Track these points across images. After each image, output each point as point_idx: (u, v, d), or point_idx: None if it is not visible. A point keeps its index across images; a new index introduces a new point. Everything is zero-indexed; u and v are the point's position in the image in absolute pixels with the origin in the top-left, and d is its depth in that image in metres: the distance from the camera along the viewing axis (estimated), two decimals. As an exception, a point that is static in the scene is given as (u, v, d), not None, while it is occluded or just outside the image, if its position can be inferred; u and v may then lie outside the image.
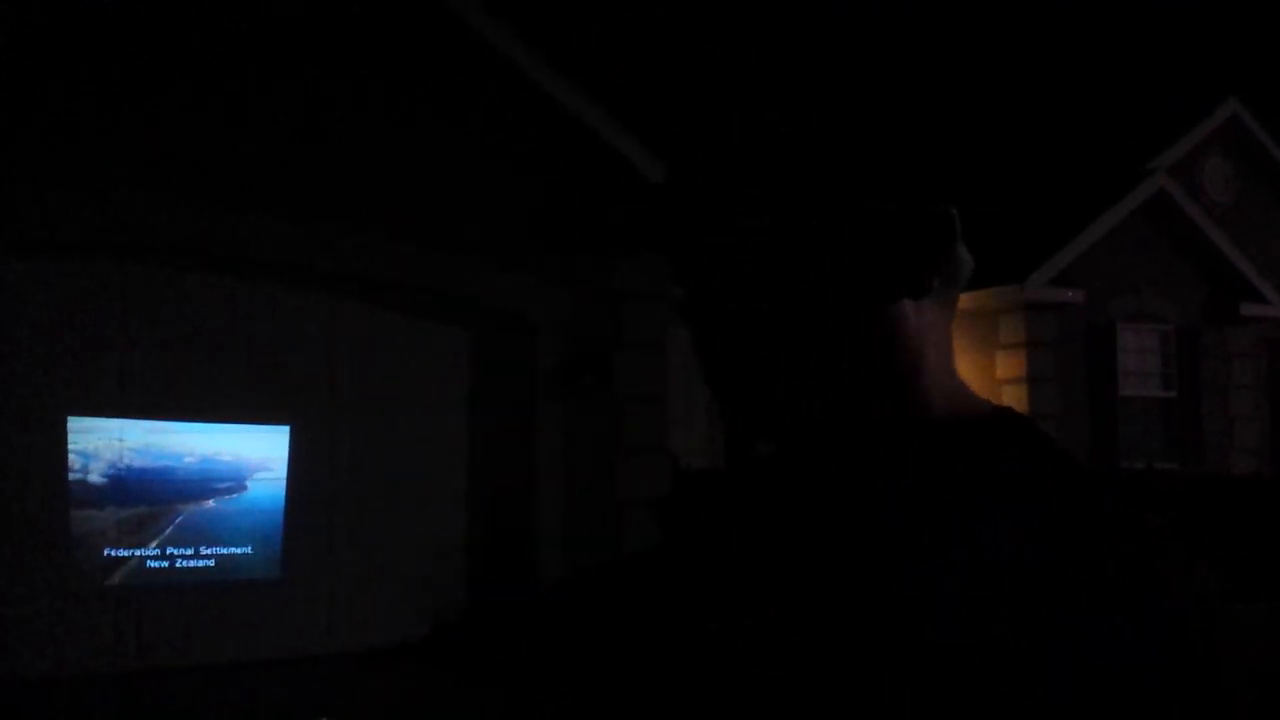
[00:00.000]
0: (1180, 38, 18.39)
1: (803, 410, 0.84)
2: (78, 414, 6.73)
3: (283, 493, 7.42)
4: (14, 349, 6.54)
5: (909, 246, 0.82)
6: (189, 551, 7.08)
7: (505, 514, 7.97)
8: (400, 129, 7.46)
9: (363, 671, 7.04)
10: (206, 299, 7.15)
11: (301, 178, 7.07)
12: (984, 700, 0.70)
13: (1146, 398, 13.26)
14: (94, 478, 6.83)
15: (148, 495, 7.00)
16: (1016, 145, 13.52)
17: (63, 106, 6.32)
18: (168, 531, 7.04)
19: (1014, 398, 11.66)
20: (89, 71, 6.38)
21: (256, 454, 7.38)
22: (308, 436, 7.49)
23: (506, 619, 7.32)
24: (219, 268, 7.11)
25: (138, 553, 6.94)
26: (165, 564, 7.01)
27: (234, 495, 7.30)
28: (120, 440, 6.89)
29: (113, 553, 6.86)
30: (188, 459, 7.15)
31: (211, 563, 7.16)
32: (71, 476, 6.73)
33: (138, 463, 6.96)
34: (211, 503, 7.23)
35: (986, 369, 12.18)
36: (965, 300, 0.88)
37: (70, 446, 6.72)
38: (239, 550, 7.25)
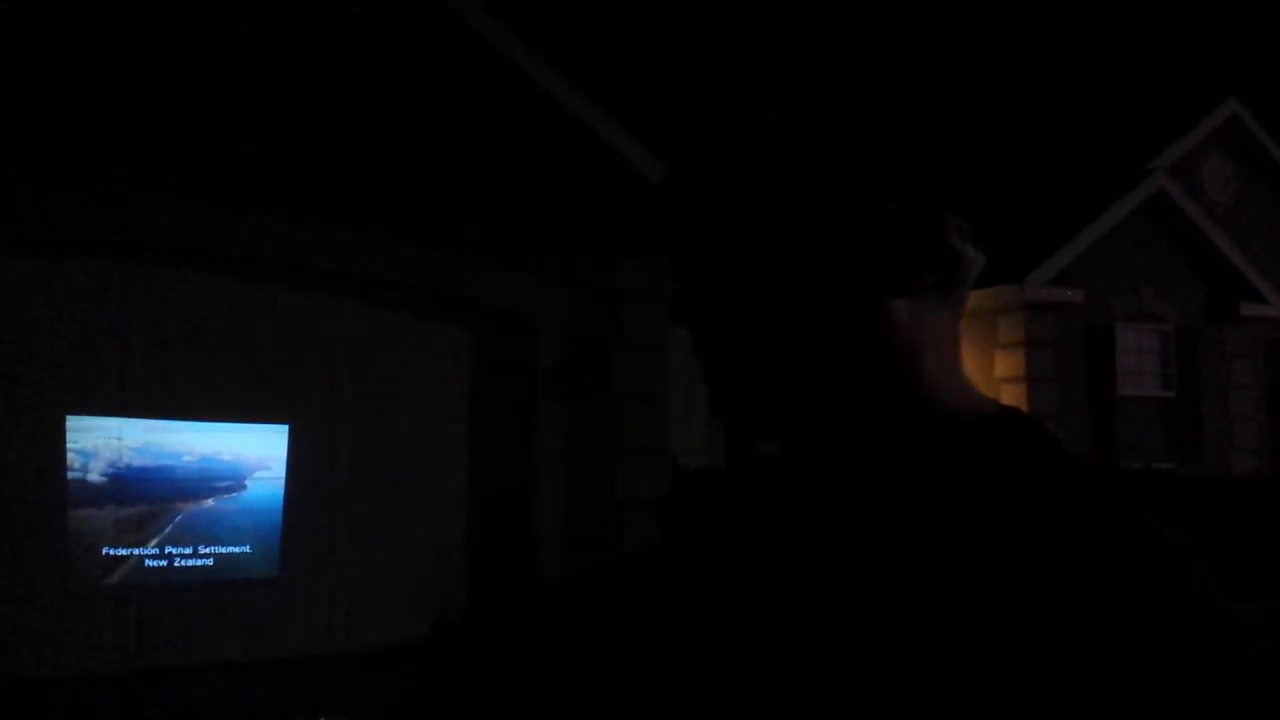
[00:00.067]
0: (1180, 37, 18.39)
1: (803, 410, 0.84)
2: (77, 413, 6.73)
3: (282, 492, 7.43)
4: (13, 348, 6.54)
5: (908, 246, 0.82)
6: (188, 551, 7.08)
7: (505, 514, 7.96)
8: (400, 129, 7.46)
9: (362, 671, 7.04)
10: (206, 298, 7.15)
11: (301, 178, 7.07)
12: (984, 700, 0.70)
13: (1146, 397, 13.26)
14: (93, 477, 6.83)
15: (147, 494, 7.00)
16: (1016, 145, 13.52)
17: (63, 106, 6.31)
18: (167, 531, 7.04)
19: (1013, 397, 11.66)
20: (89, 71, 6.38)
21: (256, 453, 7.38)
22: (307, 436, 7.48)
23: (506, 619, 7.32)
24: (219, 267, 7.11)
25: (136, 552, 6.94)
26: (164, 563, 7.01)
27: (233, 494, 7.30)
28: (119, 439, 6.89)
29: (112, 552, 6.86)
30: (187, 458, 7.15)
31: (210, 562, 7.16)
32: (70, 475, 6.73)
33: (137, 462, 6.96)
34: (211, 502, 7.23)
35: (985, 368, 12.18)
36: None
37: (69, 445, 6.71)
38: (238, 549, 7.25)
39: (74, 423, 6.73)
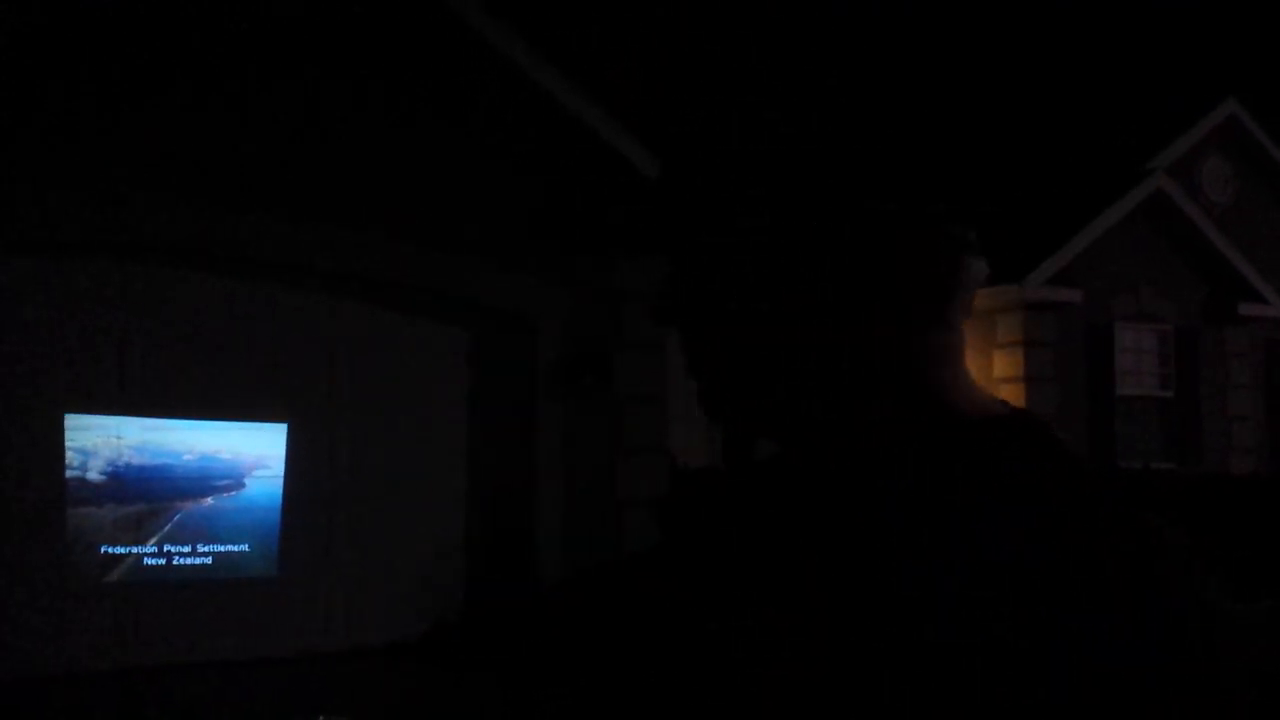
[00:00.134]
0: (1180, 37, 18.40)
1: (803, 410, 0.84)
2: (76, 411, 6.73)
3: (280, 491, 7.43)
4: (12, 347, 6.54)
5: (908, 246, 0.82)
6: (186, 549, 7.09)
7: (505, 514, 7.97)
8: (400, 129, 7.46)
9: (360, 670, 7.04)
10: (205, 297, 7.15)
11: (301, 177, 7.07)
12: (984, 700, 0.69)
13: (1145, 397, 13.27)
14: (92, 475, 6.83)
15: (146, 493, 7.00)
16: (1016, 144, 13.53)
17: (63, 106, 6.31)
18: (166, 529, 7.05)
19: (1011, 397, 11.56)
20: (89, 71, 6.38)
21: (255, 451, 7.38)
22: (306, 435, 7.49)
23: (506, 619, 7.32)
24: (218, 267, 7.11)
25: (135, 550, 6.94)
26: (163, 561, 7.01)
27: (232, 493, 7.30)
28: (119, 438, 6.89)
29: (110, 550, 6.86)
30: (186, 457, 7.15)
31: (209, 560, 7.16)
32: (70, 474, 6.73)
33: (136, 460, 6.96)
34: (210, 500, 7.23)
35: (984, 368, 12.19)
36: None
37: (68, 444, 6.72)
38: (236, 548, 7.25)
39: (73, 421, 6.73)
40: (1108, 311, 12.86)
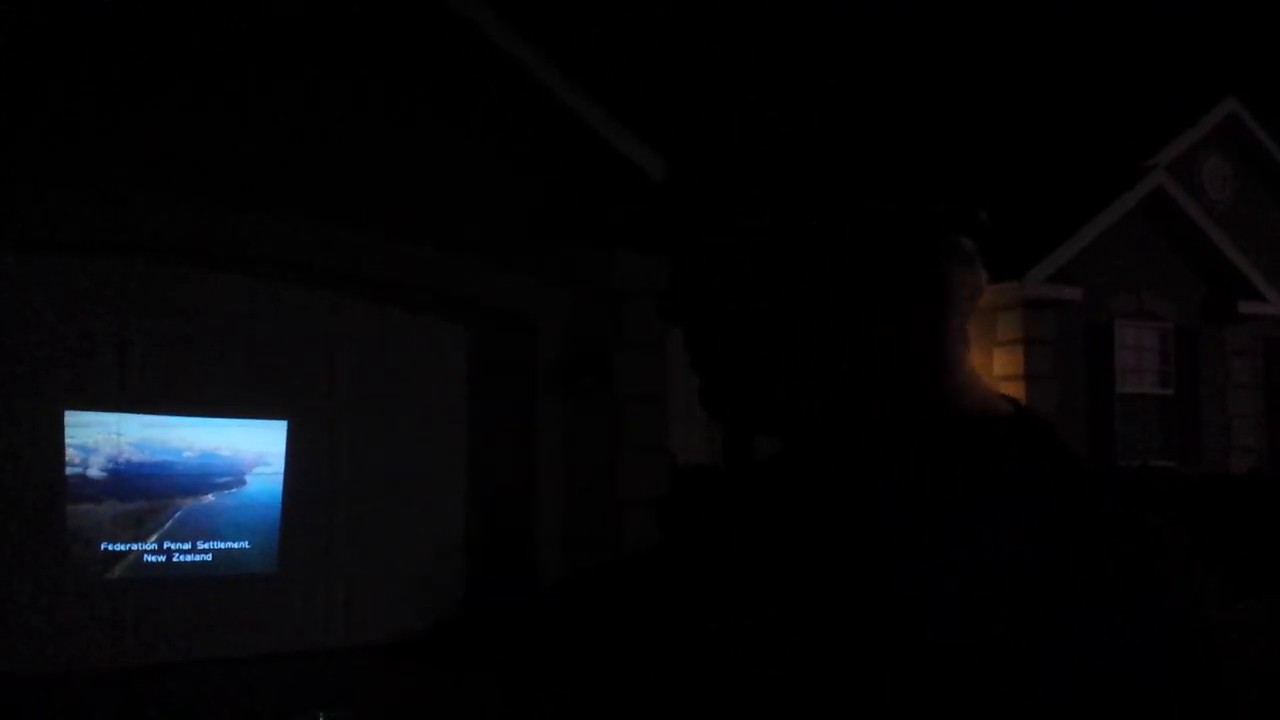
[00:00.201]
0: (1180, 36, 18.39)
1: (803, 410, 0.84)
2: (76, 408, 6.73)
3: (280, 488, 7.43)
4: (12, 344, 6.54)
5: (909, 246, 0.82)
6: (186, 546, 7.09)
7: (505, 512, 7.97)
8: (401, 128, 7.46)
9: (360, 667, 7.04)
10: (205, 294, 7.15)
11: (302, 176, 7.07)
12: (984, 700, 0.70)
13: (1144, 395, 13.27)
14: (92, 472, 6.83)
15: (146, 490, 7.00)
16: (1016, 142, 13.52)
17: (63, 106, 6.31)
18: (166, 526, 7.05)
19: (1011, 395, 11.65)
20: (89, 71, 6.38)
21: (255, 449, 7.38)
22: (306, 432, 7.49)
23: (506, 619, 7.32)
24: (219, 266, 7.11)
25: (135, 547, 6.94)
26: (163, 558, 7.01)
27: (233, 490, 7.31)
28: (119, 435, 6.90)
29: (110, 547, 6.86)
30: (186, 453, 7.15)
31: (209, 557, 7.16)
32: (70, 471, 6.73)
33: (136, 457, 6.96)
34: (210, 497, 7.23)
35: (984, 366, 12.18)
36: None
37: (69, 441, 6.72)
38: (237, 545, 7.26)
39: (73, 418, 6.73)
40: (1108, 309, 12.86)
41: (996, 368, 12.24)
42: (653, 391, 8.33)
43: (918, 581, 0.74)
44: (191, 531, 7.11)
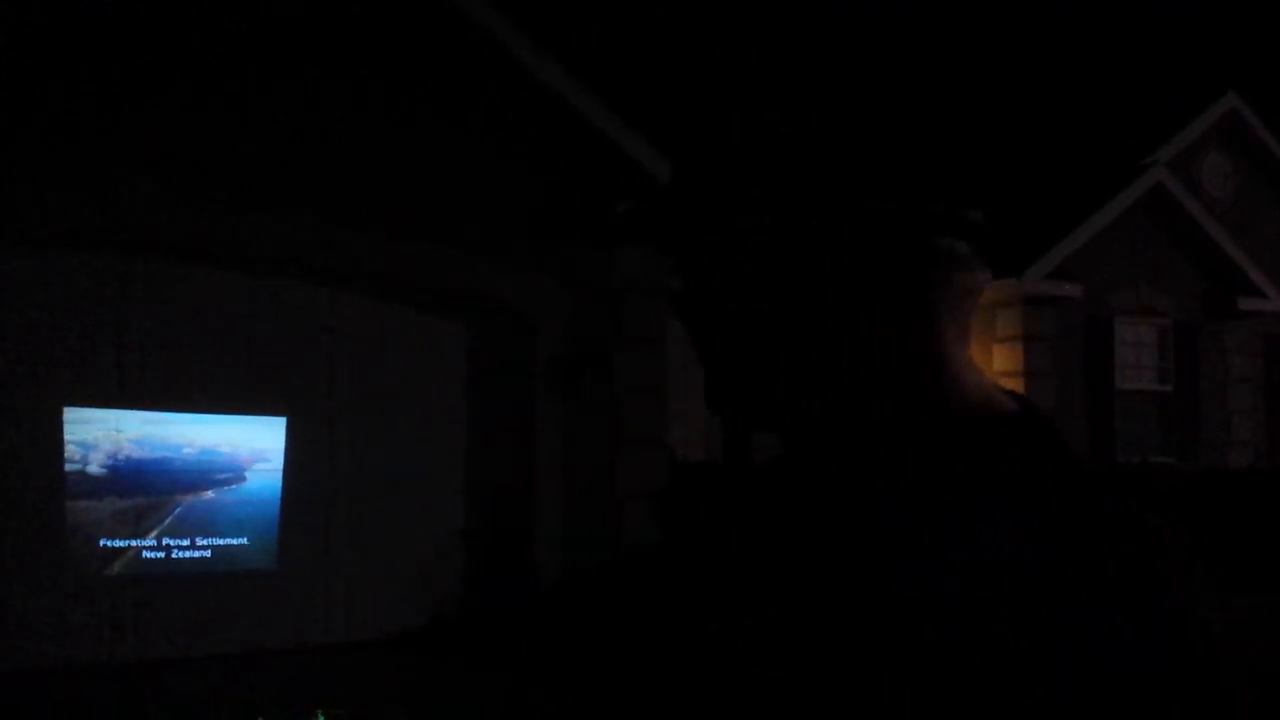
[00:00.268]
0: (1180, 32, 18.38)
1: (803, 410, 0.84)
2: (75, 405, 6.73)
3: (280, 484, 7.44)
4: (11, 341, 6.54)
5: (908, 246, 0.82)
6: (186, 542, 7.09)
7: (504, 510, 7.97)
8: (403, 126, 7.45)
9: (359, 663, 7.04)
10: (204, 291, 7.15)
11: (302, 175, 7.06)
12: (984, 700, 0.70)
13: (1144, 392, 13.27)
14: (92, 468, 6.83)
15: (145, 486, 7.00)
16: (1016, 139, 13.51)
17: (63, 105, 6.30)
18: (165, 522, 7.05)
19: (1012, 392, 11.64)
20: (89, 70, 6.37)
21: (255, 445, 7.38)
22: (305, 430, 7.49)
23: (506, 619, 7.32)
24: (219, 263, 7.11)
25: (135, 543, 6.94)
26: (162, 555, 7.01)
27: (232, 486, 7.31)
28: (118, 431, 6.89)
29: (110, 543, 6.86)
30: (186, 450, 7.15)
31: (209, 554, 7.16)
32: (69, 467, 6.73)
33: (135, 453, 6.96)
34: (210, 494, 7.23)
35: (983, 363, 12.18)
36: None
37: (68, 437, 6.72)
38: (236, 541, 7.26)
39: (72, 414, 6.73)
40: (1107, 306, 12.86)
41: (996, 364, 12.24)
42: (652, 387, 8.33)
43: (918, 581, 0.74)
44: (191, 528, 7.11)
